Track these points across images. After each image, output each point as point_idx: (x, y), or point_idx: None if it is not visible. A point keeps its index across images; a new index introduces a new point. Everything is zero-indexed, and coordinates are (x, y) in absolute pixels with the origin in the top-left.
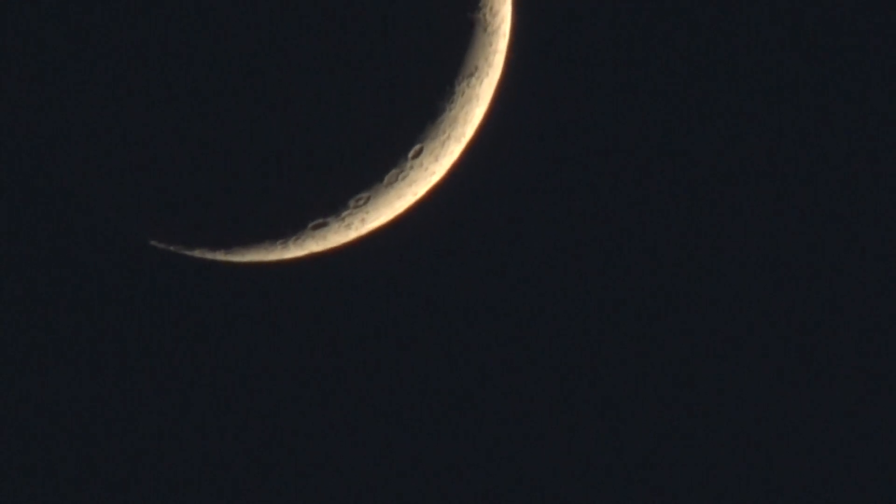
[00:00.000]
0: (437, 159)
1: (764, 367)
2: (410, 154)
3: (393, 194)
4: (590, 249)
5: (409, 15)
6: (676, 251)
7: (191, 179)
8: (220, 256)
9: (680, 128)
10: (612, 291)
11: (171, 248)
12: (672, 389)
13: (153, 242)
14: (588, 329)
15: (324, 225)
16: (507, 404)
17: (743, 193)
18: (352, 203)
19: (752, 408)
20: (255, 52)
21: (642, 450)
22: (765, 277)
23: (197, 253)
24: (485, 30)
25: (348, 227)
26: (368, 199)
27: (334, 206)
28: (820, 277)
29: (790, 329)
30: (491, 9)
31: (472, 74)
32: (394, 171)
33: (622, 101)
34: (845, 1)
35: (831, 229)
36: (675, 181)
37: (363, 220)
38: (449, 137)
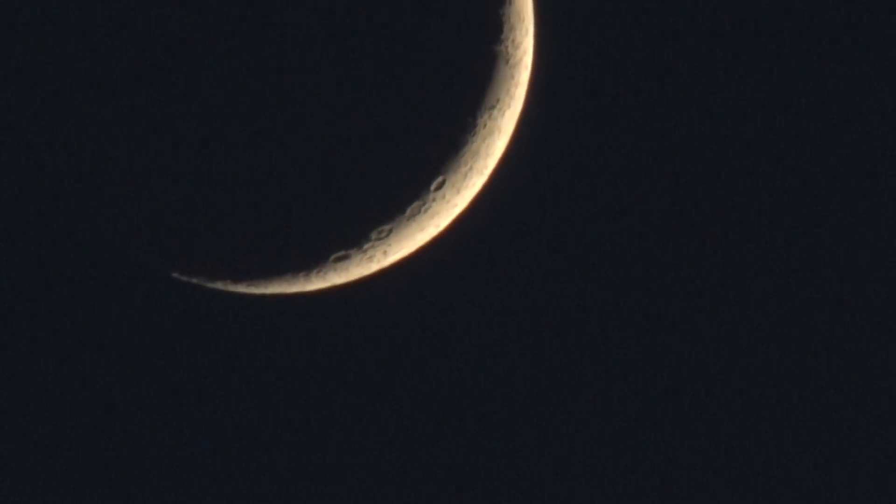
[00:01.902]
0: (459, 191)
1: (795, 380)
2: (433, 186)
3: (415, 226)
4: (614, 282)
5: (432, 47)
6: (701, 287)
7: (213, 212)
8: (243, 288)
9: (704, 162)
10: (637, 325)
11: (194, 280)
12: (719, 417)
13: (175, 274)
14: (614, 362)
15: (346, 257)
16: (530, 439)
17: (773, 223)
18: (374, 235)
19: (769, 416)
20: (278, 86)
21: (678, 475)
22: (803, 288)
23: (219, 285)
24: (507, 62)
25: (370, 259)
26: (391, 231)
27: (356, 238)
28: (837, 286)
29: (814, 338)
30: (513, 41)
31: (493, 107)
32: (416, 204)
33: (644, 134)
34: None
35: (857, 240)
36: (699, 213)
37: (385, 253)
38: (471, 169)
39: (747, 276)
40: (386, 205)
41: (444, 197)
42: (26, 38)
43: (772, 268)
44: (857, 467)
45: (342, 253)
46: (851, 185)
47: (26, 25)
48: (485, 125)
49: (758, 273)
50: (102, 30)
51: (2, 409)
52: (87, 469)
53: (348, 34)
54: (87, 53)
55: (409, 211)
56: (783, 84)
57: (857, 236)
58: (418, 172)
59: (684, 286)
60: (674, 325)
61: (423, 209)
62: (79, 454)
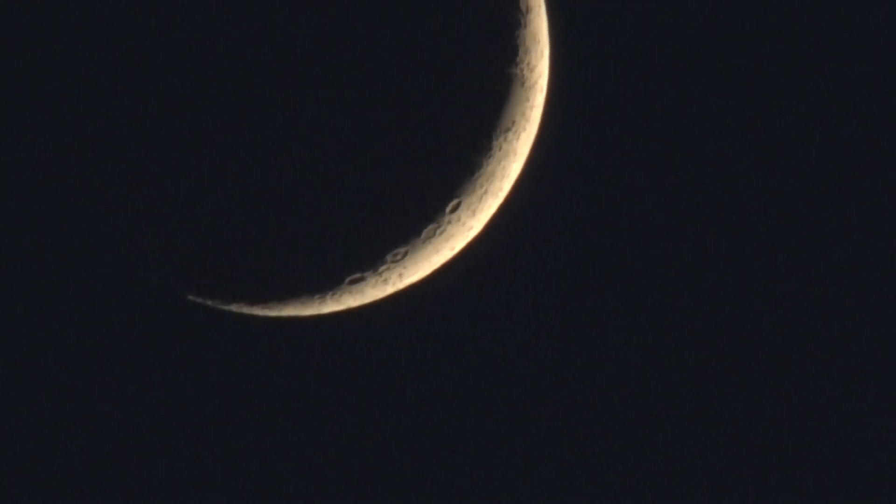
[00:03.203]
0: (474, 214)
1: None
2: (448, 209)
3: (430, 249)
4: (631, 306)
5: (448, 70)
6: (716, 308)
7: (229, 235)
8: (258, 311)
9: (725, 184)
10: (656, 342)
11: (209, 302)
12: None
13: (191, 297)
14: (635, 389)
15: (361, 280)
16: (547, 457)
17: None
18: (389, 258)
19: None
20: (294, 111)
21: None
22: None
23: (234, 307)
24: (522, 85)
25: (385, 281)
26: (406, 253)
27: (372, 260)
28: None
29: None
30: (528, 64)
31: (509, 129)
32: (431, 226)
33: (659, 158)
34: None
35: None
36: (719, 239)
37: (401, 275)
38: (486, 192)
39: (774, 292)
40: (401, 227)
41: (459, 219)
42: (34, 57)
43: (803, 281)
44: (857, 467)
45: (357, 275)
46: (885, 200)
47: (36, 42)
48: (500, 148)
49: (787, 287)
50: (123, 57)
51: (17, 433)
52: (101, 493)
53: (365, 58)
54: (110, 81)
55: (424, 233)
56: (807, 116)
57: (861, 238)
58: (434, 195)
59: (705, 319)
60: (696, 357)
61: (438, 231)
62: (94, 477)
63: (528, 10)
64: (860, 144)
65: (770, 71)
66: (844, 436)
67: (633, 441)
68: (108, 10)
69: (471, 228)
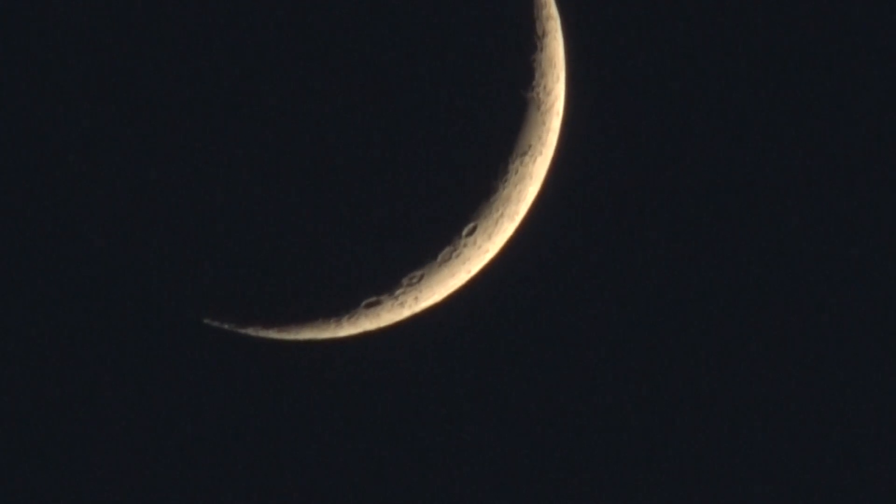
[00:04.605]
0: (490, 237)
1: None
2: (464, 232)
3: (446, 272)
4: (650, 325)
5: (464, 94)
6: (744, 335)
7: (245, 258)
8: (274, 334)
9: (741, 200)
10: (677, 366)
11: (225, 325)
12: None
13: (207, 320)
14: (653, 404)
15: (377, 303)
16: (569, 486)
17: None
18: (405, 281)
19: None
20: (310, 132)
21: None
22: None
23: (250, 331)
24: (538, 108)
25: (401, 305)
26: (422, 277)
27: (387, 284)
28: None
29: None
30: (544, 87)
31: (525, 153)
32: (447, 250)
33: (677, 180)
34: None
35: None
36: (740, 254)
37: (416, 299)
38: (502, 216)
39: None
40: (417, 250)
41: (475, 243)
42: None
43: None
44: (857, 467)
45: (373, 299)
46: None
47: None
48: (516, 171)
49: (805, 314)
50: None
51: (31, 459)
52: None
53: (382, 82)
54: (125, 104)
55: (440, 257)
56: (830, 136)
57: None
58: (450, 218)
59: (730, 346)
60: (721, 385)
61: (454, 255)
62: (108, 500)
63: (544, 34)
64: None
65: (803, 98)
66: (844, 435)
67: (657, 473)
68: (132, 27)
69: (487, 252)
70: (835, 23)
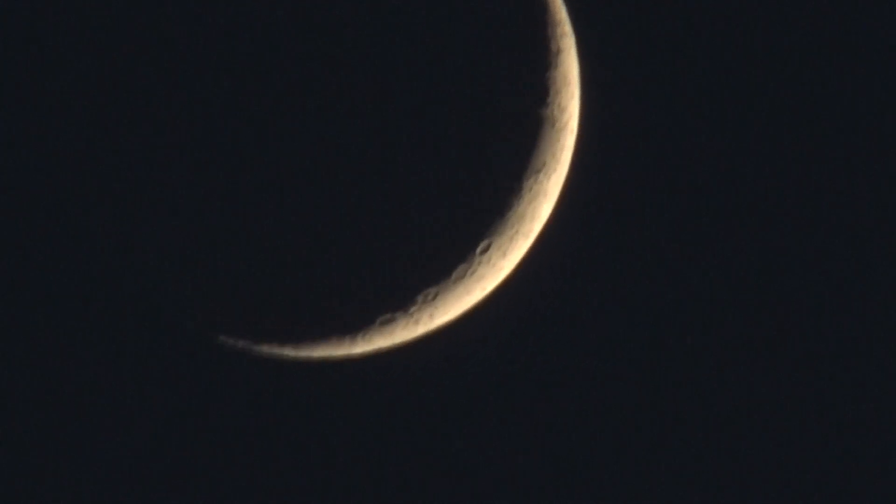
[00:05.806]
0: (505, 255)
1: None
2: (479, 250)
3: (461, 290)
4: (667, 341)
5: (478, 111)
6: (760, 350)
7: (260, 276)
8: (288, 352)
9: (758, 215)
10: (693, 381)
11: (240, 343)
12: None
13: (222, 339)
14: (670, 418)
15: (392, 321)
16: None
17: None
18: (420, 299)
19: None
20: (326, 150)
21: None
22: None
23: (265, 348)
24: (553, 126)
25: (416, 322)
26: (436, 294)
27: (402, 301)
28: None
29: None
30: (559, 105)
31: (540, 170)
32: (462, 267)
33: (692, 198)
34: None
35: None
36: (758, 268)
37: (431, 316)
38: (517, 233)
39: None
40: (432, 268)
41: (490, 260)
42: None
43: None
44: (857, 467)
45: (388, 316)
46: None
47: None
48: (531, 189)
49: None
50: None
51: (38, 474)
52: None
53: (397, 99)
54: (135, 114)
55: (455, 274)
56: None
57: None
58: (464, 236)
59: (746, 361)
60: (737, 405)
61: (469, 272)
62: None
63: (558, 51)
64: None
65: (821, 115)
66: (844, 435)
67: (673, 492)
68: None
69: (501, 269)
70: (867, 38)
